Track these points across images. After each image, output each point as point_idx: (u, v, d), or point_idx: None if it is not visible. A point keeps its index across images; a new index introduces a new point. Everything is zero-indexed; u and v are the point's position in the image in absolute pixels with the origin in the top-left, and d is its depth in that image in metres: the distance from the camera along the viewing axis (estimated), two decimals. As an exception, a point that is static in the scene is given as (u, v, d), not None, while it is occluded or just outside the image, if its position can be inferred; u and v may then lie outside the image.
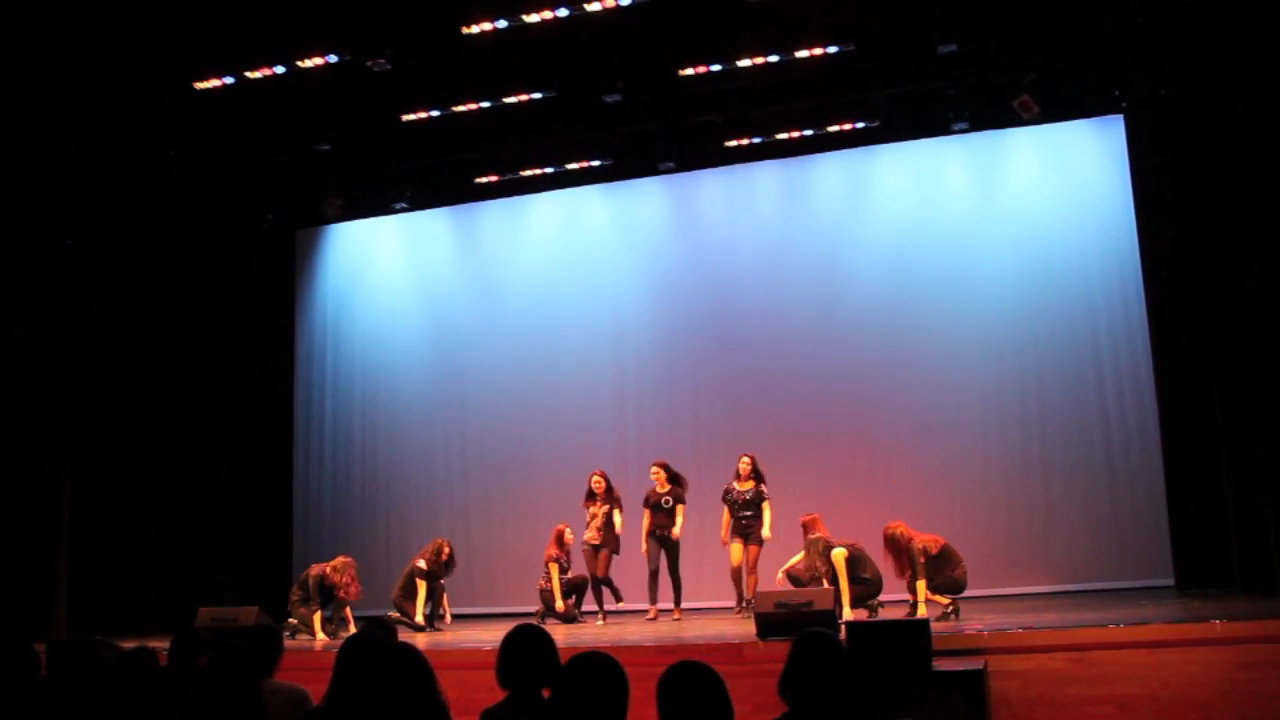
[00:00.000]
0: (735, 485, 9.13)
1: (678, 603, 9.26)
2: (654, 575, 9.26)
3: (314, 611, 8.68)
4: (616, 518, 9.34)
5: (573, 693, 2.79)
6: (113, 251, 10.86)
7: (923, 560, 7.65)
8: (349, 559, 9.06)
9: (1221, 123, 8.37)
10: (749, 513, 8.98)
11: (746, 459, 9.17)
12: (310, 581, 8.80)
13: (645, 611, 9.21)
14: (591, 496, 9.44)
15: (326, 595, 8.78)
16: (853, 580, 7.87)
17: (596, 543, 9.29)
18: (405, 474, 11.88)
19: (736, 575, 8.99)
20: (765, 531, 8.89)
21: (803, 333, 10.81)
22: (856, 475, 10.34)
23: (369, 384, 12.28)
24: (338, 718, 3.08)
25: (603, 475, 9.47)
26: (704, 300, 11.21)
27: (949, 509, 9.87)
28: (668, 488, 9.26)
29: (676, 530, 9.15)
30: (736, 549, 9.01)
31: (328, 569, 8.84)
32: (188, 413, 11.39)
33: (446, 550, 9.35)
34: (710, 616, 9.28)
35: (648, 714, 2.79)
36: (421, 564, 9.29)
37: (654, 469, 9.35)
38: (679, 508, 9.19)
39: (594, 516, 9.35)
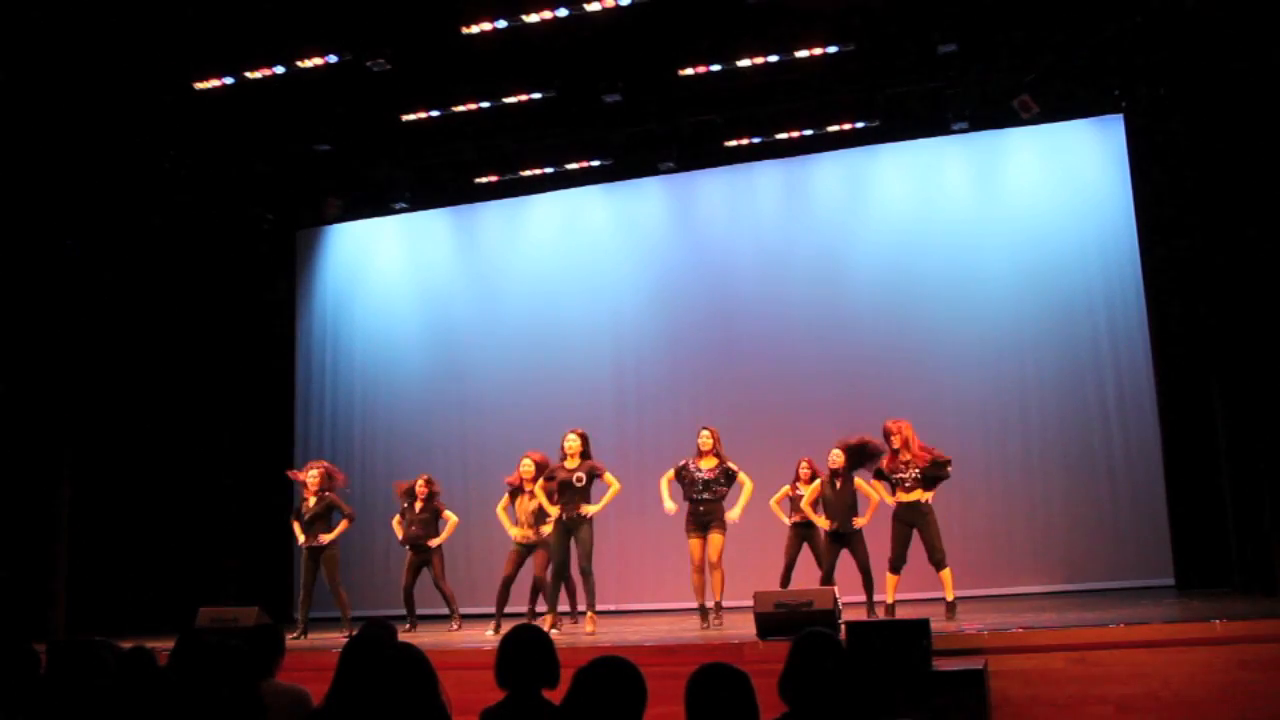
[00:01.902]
0: (693, 463, 8.00)
1: (590, 605, 7.95)
2: (559, 573, 8.03)
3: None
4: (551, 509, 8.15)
5: (589, 696, 2.77)
6: (113, 251, 10.86)
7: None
8: (309, 464, 9.31)
9: (1221, 123, 8.37)
10: (708, 496, 7.88)
11: (708, 433, 8.05)
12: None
13: (631, 613, 8.59)
14: (519, 488, 8.51)
15: (327, 511, 8.96)
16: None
17: (533, 541, 8.36)
18: (405, 473, 11.77)
19: (700, 581, 7.93)
20: (735, 512, 7.86)
21: (803, 332, 10.82)
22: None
23: (369, 384, 12.29)
24: (338, 718, 3.08)
25: (535, 461, 8.49)
26: (704, 300, 11.21)
27: (949, 508, 9.78)
28: (579, 463, 7.98)
29: (590, 509, 7.91)
30: (695, 545, 7.91)
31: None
32: (187, 412, 11.40)
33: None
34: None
35: (648, 714, 2.79)
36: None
37: (571, 437, 8.06)
38: (609, 476, 8.06)
39: (523, 508, 8.46)
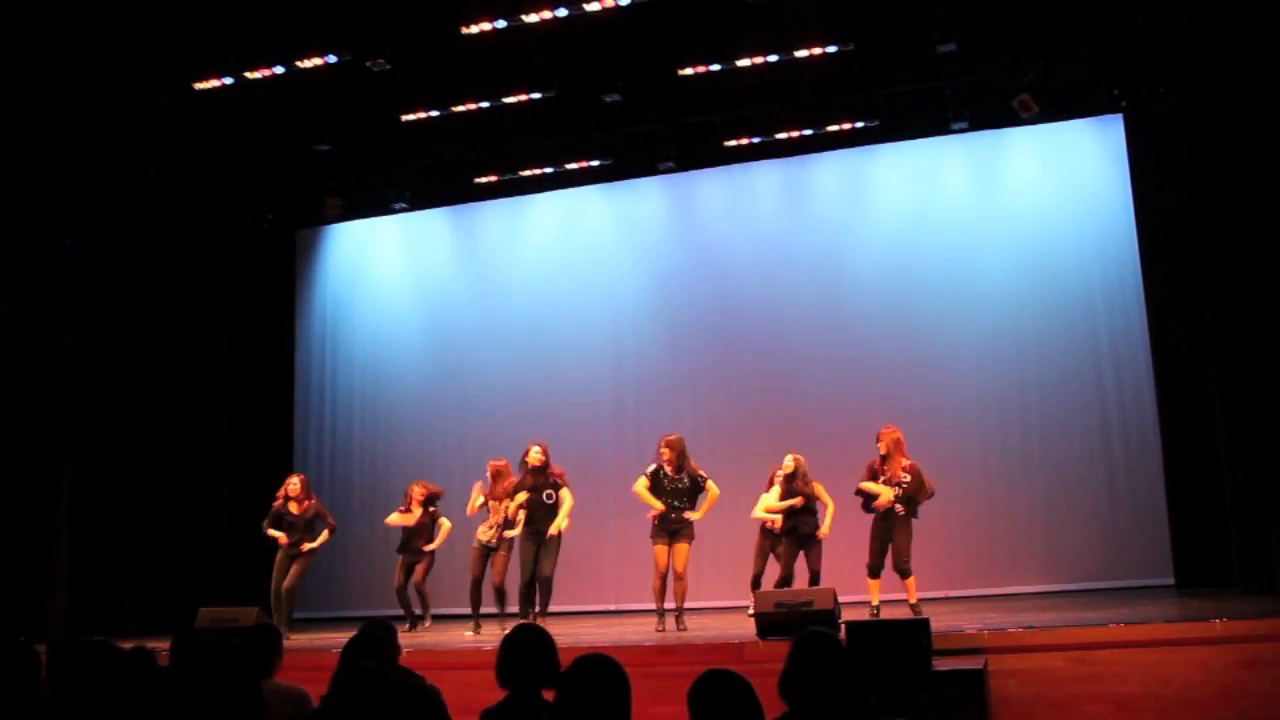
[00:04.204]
0: (665, 469, 7.97)
1: (543, 608, 8.20)
2: (530, 583, 8.21)
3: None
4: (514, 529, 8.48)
5: (575, 694, 2.80)
6: (113, 252, 10.86)
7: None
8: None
9: (1222, 122, 8.38)
10: (679, 504, 7.88)
11: (674, 438, 8.10)
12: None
13: (631, 613, 8.66)
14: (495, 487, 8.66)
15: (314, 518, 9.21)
16: None
17: (496, 543, 8.54)
18: (405, 474, 11.82)
19: (661, 586, 7.86)
20: (696, 514, 7.91)
21: (802, 332, 10.81)
22: (856, 474, 10.32)
23: (369, 384, 12.29)
24: (338, 718, 3.08)
25: (507, 464, 8.73)
26: (704, 300, 11.21)
27: (948, 508, 9.83)
28: (544, 477, 8.20)
29: (557, 526, 8.14)
30: (662, 551, 7.87)
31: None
32: (187, 413, 11.40)
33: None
34: (709, 616, 9.26)
35: (648, 714, 2.80)
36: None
37: (536, 449, 8.31)
38: (564, 492, 8.23)
39: (495, 511, 8.58)
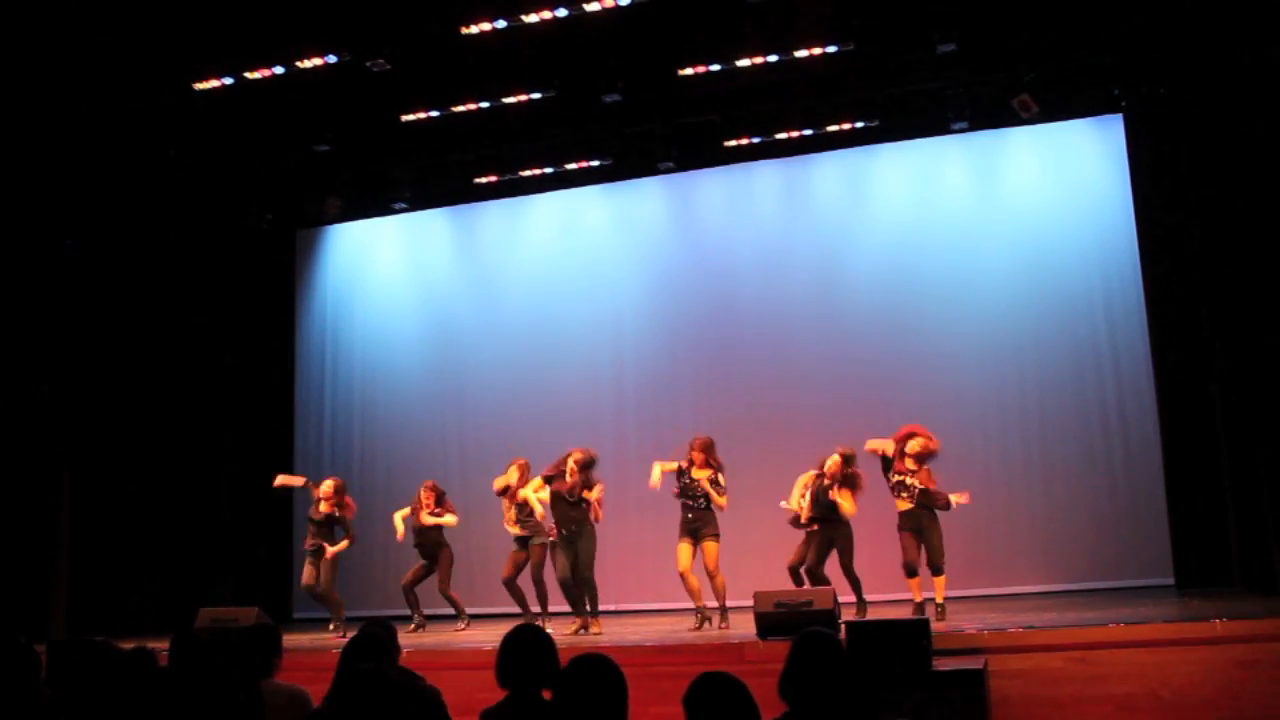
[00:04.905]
0: (688, 468, 8.14)
1: (593, 610, 8.25)
2: (563, 584, 8.23)
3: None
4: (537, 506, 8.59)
5: (572, 694, 2.81)
6: (112, 252, 10.86)
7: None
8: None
9: (1221, 122, 8.38)
10: (701, 505, 8.04)
11: (705, 440, 8.21)
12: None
13: (631, 613, 8.68)
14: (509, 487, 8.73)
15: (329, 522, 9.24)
16: None
17: (527, 534, 8.67)
18: (404, 474, 11.86)
19: (685, 580, 8.04)
20: (720, 499, 7.99)
21: (802, 332, 10.81)
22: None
23: (369, 384, 12.28)
24: (338, 718, 3.08)
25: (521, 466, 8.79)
26: (704, 300, 11.21)
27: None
28: (576, 478, 8.21)
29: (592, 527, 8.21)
30: (685, 550, 8.04)
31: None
32: (187, 412, 11.40)
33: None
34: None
35: (647, 714, 2.80)
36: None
37: (577, 452, 8.30)
38: (597, 489, 8.22)
39: (509, 509, 8.71)
